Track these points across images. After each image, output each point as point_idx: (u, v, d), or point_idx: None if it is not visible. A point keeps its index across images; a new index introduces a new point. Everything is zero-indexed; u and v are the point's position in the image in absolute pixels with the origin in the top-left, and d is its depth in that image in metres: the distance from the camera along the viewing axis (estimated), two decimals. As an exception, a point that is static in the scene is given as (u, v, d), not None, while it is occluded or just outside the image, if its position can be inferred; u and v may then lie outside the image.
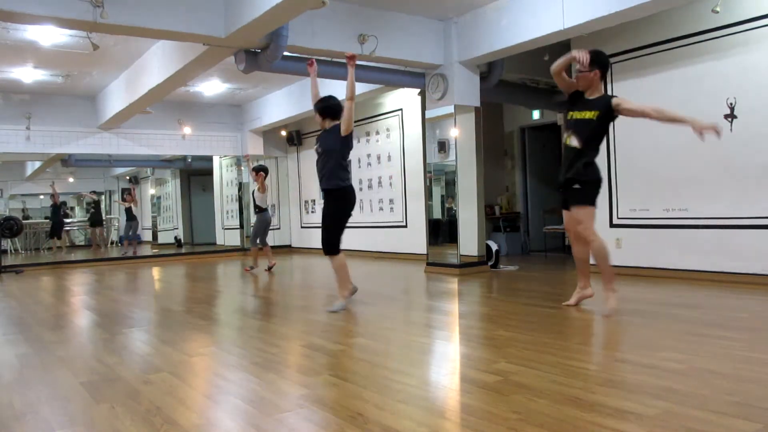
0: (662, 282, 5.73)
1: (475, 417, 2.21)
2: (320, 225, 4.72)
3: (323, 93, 9.22)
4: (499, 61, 7.04)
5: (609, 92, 6.55)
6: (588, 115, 4.09)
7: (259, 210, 8.23)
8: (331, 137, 4.60)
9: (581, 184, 4.13)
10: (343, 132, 4.51)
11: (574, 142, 4.14)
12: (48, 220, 14.00)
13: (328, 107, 4.70)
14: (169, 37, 5.74)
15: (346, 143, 4.57)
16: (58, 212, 13.79)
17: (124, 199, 13.02)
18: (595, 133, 4.11)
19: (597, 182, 4.15)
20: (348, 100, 4.47)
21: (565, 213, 4.36)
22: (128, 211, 12.55)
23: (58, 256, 12.16)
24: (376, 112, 10.13)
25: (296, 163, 12.40)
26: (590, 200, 4.14)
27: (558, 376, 2.68)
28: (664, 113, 4.06)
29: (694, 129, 3.72)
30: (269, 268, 8.20)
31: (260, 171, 8.23)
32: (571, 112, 4.23)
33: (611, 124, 4.22)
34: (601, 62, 4.13)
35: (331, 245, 4.55)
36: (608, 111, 4.06)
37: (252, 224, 8.34)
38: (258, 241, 8.27)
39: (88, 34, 6.34)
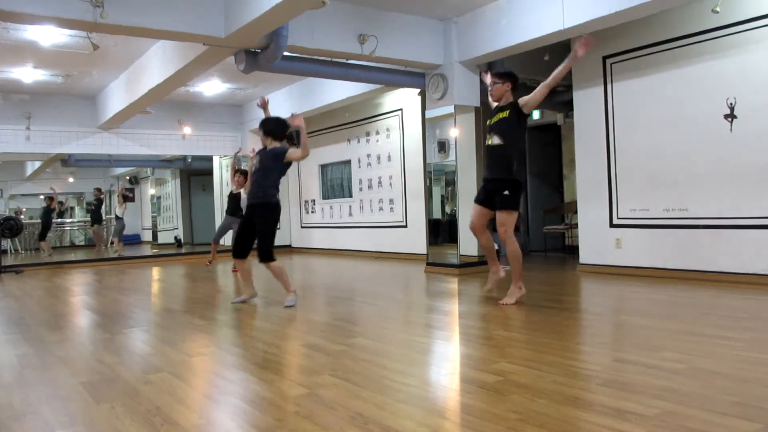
0: (662, 282, 5.73)
1: (475, 417, 2.21)
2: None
3: (324, 92, 9.15)
4: (499, 61, 7.03)
5: (608, 92, 6.56)
6: (502, 114, 4.63)
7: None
8: (269, 157, 4.94)
9: (511, 188, 4.56)
10: (289, 158, 4.92)
11: (496, 140, 4.62)
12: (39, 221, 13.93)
13: (271, 130, 5.06)
14: (169, 37, 5.74)
15: (285, 166, 5.00)
16: (49, 214, 13.67)
17: (125, 198, 13.11)
18: (513, 127, 4.59)
19: (521, 185, 4.64)
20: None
21: (476, 207, 4.77)
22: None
23: (47, 258, 12.11)
24: (376, 112, 10.12)
25: (296, 163, 12.40)
26: (517, 205, 4.63)
27: (558, 376, 2.68)
28: (549, 82, 4.51)
29: (576, 57, 4.32)
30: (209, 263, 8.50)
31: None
32: (488, 120, 4.76)
33: (526, 122, 4.70)
34: (513, 76, 4.76)
35: (266, 254, 4.85)
36: (517, 108, 4.58)
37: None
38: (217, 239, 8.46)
39: (88, 34, 6.34)
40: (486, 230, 4.84)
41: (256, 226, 4.87)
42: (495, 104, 4.78)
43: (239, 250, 5.03)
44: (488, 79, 4.79)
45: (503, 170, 4.58)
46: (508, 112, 4.62)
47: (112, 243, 13.03)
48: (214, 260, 8.79)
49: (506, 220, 4.56)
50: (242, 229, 5.02)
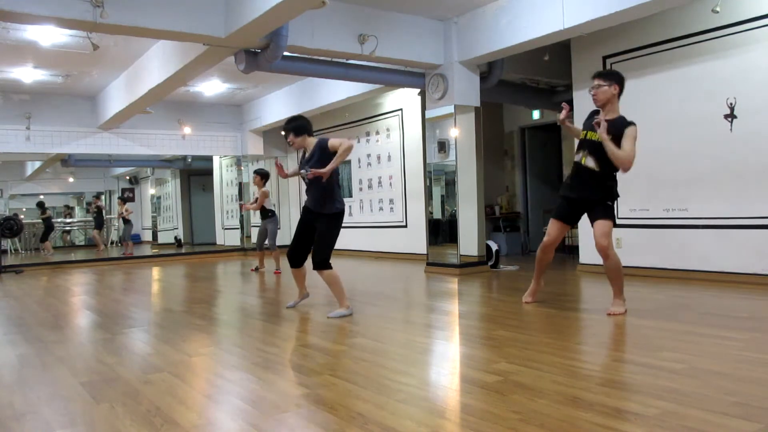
0: (662, 282, 5.73)
1: (475, 417, 2.21)
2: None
3: (324, 92, 9.01)
4: (499, 61, 7.04)
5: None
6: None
7: (273, 214, 8.09)
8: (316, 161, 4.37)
9: (612, 199, 4.13)
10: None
11: (590, 163, 4.05)
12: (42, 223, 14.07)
13: (299, 126, 4.43)
14: (169, 37, 5.74)
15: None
16: (48, 217, 13.92)
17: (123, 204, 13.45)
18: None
19: (616, 198, 4.19)
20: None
21: (556, 223, 4.35)
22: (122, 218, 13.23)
23: (49, 258, 12.17)
24: (376, 112, 10.12)
25: (297, 163, 12.40)
26: (613, 215, 4.15)
27: (558, 376, 2.68)
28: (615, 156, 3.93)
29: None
30: (259, 268, 8.15)
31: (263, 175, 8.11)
32: (585, 131, 4.11)
33: None
34: (620, 78, 4.05)
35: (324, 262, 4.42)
36: (620, 133, 3.90)
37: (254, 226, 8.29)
38: (271, 244, 8.08)
39: (88, 34, 6.34)
40: (552, 251, 4.49)
41: (316, 231, 4.45)
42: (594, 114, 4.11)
43: (296, 258, 4.63)
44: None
45: (594, 193, 4.09)
46: (610, 138, 3.89)
47: (122, 244, 13.35)
48: (277, 263, 7.98)
49: (610, 231, 4.04)
50: (299, 234, 4.59)
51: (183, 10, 5.41)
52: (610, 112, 4.01)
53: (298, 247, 4.59)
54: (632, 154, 3.89)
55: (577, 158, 4.18)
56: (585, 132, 4.12)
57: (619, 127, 3.92)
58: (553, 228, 4.39)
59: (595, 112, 4.13)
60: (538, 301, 4.72)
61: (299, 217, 4.73)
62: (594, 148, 4.01)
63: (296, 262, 4.65)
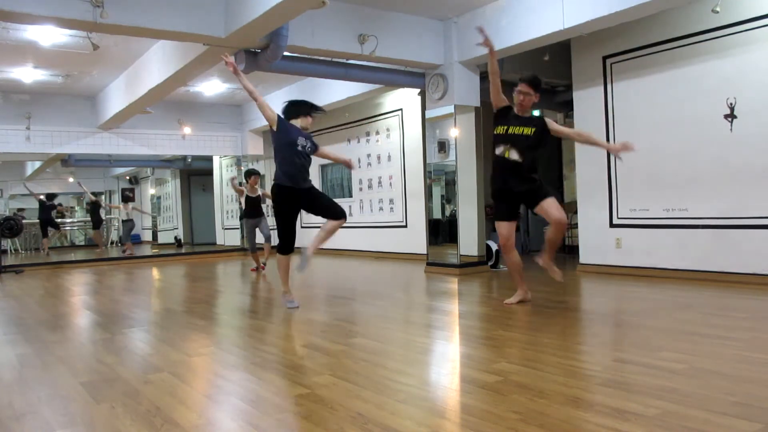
0: (662, 282, 5.73)
1: (475, 417, 2.21)
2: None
3: (324, 92, 9.06)
4: (499, 61, 7.02)
5: (608, 92, 6.54)
6: (526, 131, 4.34)
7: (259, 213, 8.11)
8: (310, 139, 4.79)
9: (542, 181, 4.46)
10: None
11: (514, 155, 4.35)
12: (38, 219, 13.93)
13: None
14: (169, 37, 5.74)
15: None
16: (47, 210, 13.65)
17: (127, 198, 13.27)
18: (534, 147, 4.36)
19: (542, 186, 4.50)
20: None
21: (504, 225, 4.56)
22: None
23: (48, 257, 12.14)
24: (376, 112, 10.12)
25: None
26: (552, 190, 4.46)
27: (558, 376, 2.68)
28: (584, 136, 4.77)
29: (610, 151, 4.65)
30: (260, 268, 8.11)
31: (255, 174, 8.10)
32: (505, 126, 4.40)
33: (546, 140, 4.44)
34: (541, 87, 4.46)
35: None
36: (544, 129, 4.35)
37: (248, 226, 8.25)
38: (268, 236, 8.10)
39: (88, 34, 6.34)
40: (515, 248, 4.62)
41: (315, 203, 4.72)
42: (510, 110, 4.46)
43: (289, 246, 4.73)
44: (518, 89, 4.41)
45: (526, 181, 4.39)
46: (533, 130, 4.31)
47: (120, 244, 13.24)
48: (260, 264, 8.09)
49: (557, 203, 4.36)
50: (292, 221, 4.72)
51: (183, 10, 5.41)
52: (527, 113, 4.45)
53: (292, 233, 4.74)
54: (568, 131, 4.62)
55: (498, 152, 4.43)
56: (506, 127, 4.39)
57: (539, 123, 4.38)
58: (502, 228, 4.59)
59: (507, 108, 4.46)
60: (536, 303, 4.72)
61: (281, 209, 4.68)
62: (516, 141, 4.34)
63: (289, 249, 4.76)
